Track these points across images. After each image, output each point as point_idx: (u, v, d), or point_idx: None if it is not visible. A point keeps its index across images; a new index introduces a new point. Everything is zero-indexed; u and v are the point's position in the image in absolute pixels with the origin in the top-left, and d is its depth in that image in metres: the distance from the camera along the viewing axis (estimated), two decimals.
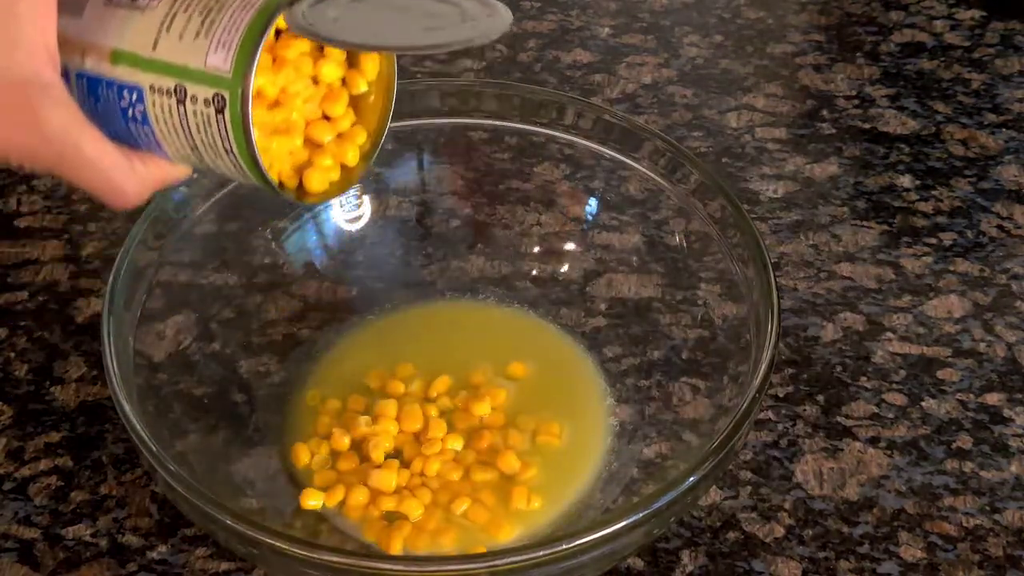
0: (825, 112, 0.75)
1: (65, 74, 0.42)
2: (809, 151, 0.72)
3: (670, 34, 0.81)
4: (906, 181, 0.70)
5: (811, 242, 0.66)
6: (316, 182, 0.45)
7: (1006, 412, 0.57)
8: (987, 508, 0.53)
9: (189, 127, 0.42)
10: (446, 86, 0.61)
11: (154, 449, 0.46)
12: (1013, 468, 0.55)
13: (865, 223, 0.67)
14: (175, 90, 0.41)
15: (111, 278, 0.51)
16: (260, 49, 0.41)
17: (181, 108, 0.41)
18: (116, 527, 0.53)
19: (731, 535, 0.52)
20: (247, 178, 0.43)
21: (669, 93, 0.76)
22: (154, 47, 0.42)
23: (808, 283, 0.64)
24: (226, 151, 0.42)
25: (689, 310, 0.58)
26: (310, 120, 0.45)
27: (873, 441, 0.56)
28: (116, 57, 0.42)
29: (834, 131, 0.74)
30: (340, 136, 0.45)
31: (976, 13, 0.83)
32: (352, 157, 0.46)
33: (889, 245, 0.66)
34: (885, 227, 0.67)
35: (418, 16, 0.42)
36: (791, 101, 0.76)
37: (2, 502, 0.54)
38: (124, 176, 0.43)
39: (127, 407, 0.47)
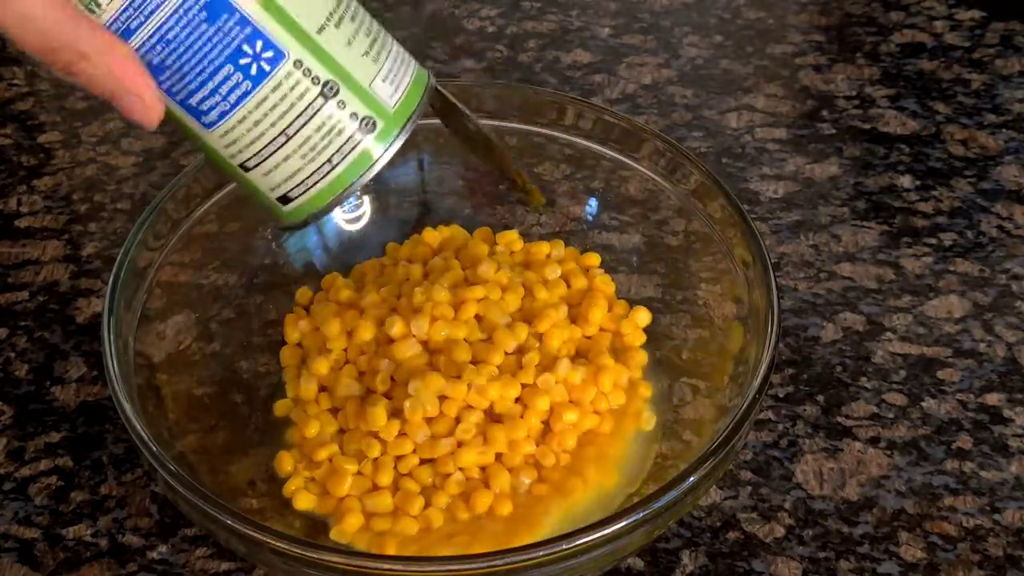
0: (825, 112, 0.75)
1: None
2: (809, 151, 0.72)
3: (670, 34, 0.81)
4: (906, 181, 0.70)
5: (811, 242, 0.66)
6: None
7: (1006, 412, 0.57)
8: (987, 508, 0.53)
9: (309, 117, 0.42)
10: (446, 86, 0.61)
11: (154, 449, 0.46)
12: (1013, 468, 0.55)
13: (865, 223, 0.67)
14: (326, 83, 0.42)
15: (111, 278, 0.51)
16: (421, 108, 0.45)
17: (320, 100, 0.42)
18: (116, 527, 0.53)
19: (731, 535, 0.52)
20: (288, 189, 0.44)
21: (669, 93, 0.76)
22: (319, 31, 0.42)
23: (808, 283, 0.64)
24: (325, 160, 0.43)
25: (689, 310, 0.58)
26: None
27: (873, 441, 0.56)
28: (269, 5, 0.41)
29: (834, 131, 0.73)
30: None
31: (976, 13, 0.83)
32: None
33: (889, 245, 0.66)
34: (885, 227, 0.67)
35: None
36: (791, 101, 0.76)
37: (2, 502, 0.54)
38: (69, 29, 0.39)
39: (127, 407, 0.47)
